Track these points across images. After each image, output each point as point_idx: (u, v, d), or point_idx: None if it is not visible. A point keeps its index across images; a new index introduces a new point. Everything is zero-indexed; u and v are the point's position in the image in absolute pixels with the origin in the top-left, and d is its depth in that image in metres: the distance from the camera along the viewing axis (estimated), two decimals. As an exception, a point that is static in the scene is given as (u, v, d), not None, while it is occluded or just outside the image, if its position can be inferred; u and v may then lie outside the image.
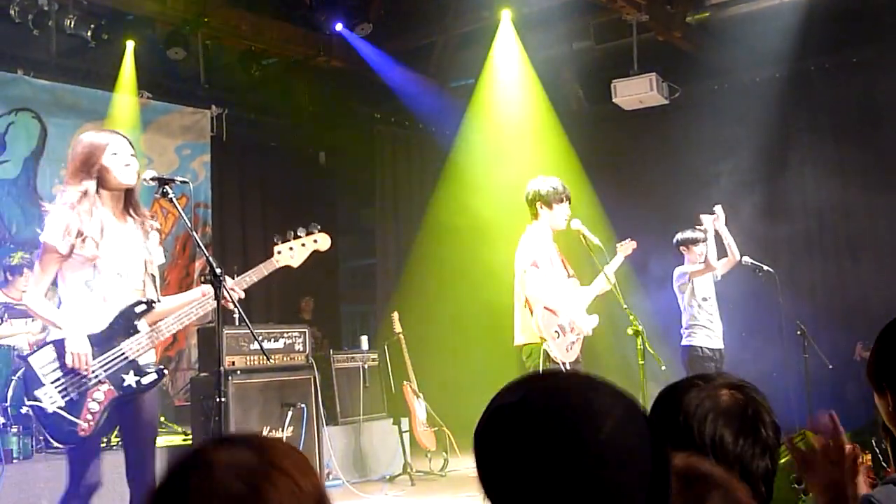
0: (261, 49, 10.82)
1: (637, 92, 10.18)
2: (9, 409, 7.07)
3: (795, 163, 10.67)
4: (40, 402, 4.05)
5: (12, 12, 8.93)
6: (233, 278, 4.35)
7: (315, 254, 4.62)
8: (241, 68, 10.88)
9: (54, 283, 4.27)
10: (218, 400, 4.13)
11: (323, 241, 4.62)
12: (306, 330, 8.55)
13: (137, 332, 4.23)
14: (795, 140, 10.67)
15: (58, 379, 4.09)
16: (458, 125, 11.75)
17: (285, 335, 8.27)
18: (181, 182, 4.41)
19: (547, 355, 6.12)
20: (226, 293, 4.16)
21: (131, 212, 4.33)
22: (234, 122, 11.74)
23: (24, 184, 9.78)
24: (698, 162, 10.58)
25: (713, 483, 1.60)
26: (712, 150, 10.52)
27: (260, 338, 7.96)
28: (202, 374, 7.95)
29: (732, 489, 1.59)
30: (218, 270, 4.04)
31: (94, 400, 4.11)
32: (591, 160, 10.90)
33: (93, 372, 4.11)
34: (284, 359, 8.18)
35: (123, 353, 4.18)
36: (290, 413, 7.77)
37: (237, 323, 7.68)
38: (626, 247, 6.83)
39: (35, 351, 4.19)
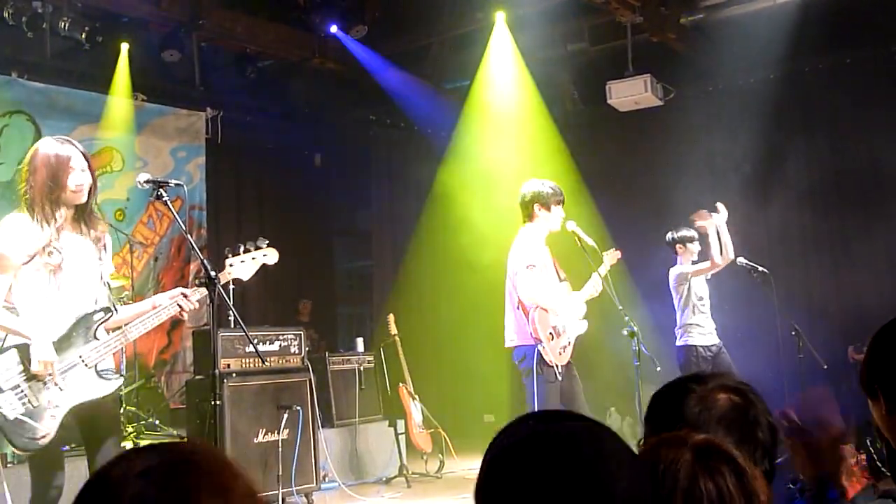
0: (256, 51, 10.82)
1: (632, 93, 10.19)
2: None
3: (790, 164, 10.68)
4: (1, 409, 4.04)
5: (6, 14, 8.91)
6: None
7: (264, 267, 4.72)
8: (236, 70, 10.88)
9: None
10: (213, 403, 4.14)
11: (271, 256, 4.72)
12: (302, 332, 8.54)
13: (96, 339, 4.25)
14: (789, 141, 10.68)
15: (17, 385, 4.08)
16: (454, 127, 11.75)
17: (281, 337, 8.26)
18: (175, 185, 4.44)
19: (541, 357, 6.12)
20: (224, 295, 4.21)
21: (84, 224, 4.35)
22: (230, 125, 11.72)
23: (17, 187, 9.74)
24: (693, 163, 10.58)
25: (728, 458, 1.62)
26: (707, 151, 10.53)
27: (255, 340, 7.95)
28: (197, 377, 7.93)
29: (747, 469, 1.60)
30: (212, 273, 4.05)
31: (54, 406, 4.11)
32: (585, 161, 10.90)
33: (52, 378, 4.11)
34: (280, 361, 8.16)
35: (83, 360, 4.20)
36: (285, 415, 7.75)
37: (233, 325, 7.68)
38: (612, 256, 6.85)
39: None
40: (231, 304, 4.35)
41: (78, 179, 4.22)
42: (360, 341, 9.67)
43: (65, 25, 9.19)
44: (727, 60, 10.29)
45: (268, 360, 7.97)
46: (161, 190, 4.24)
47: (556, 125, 11.18)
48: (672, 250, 8.38)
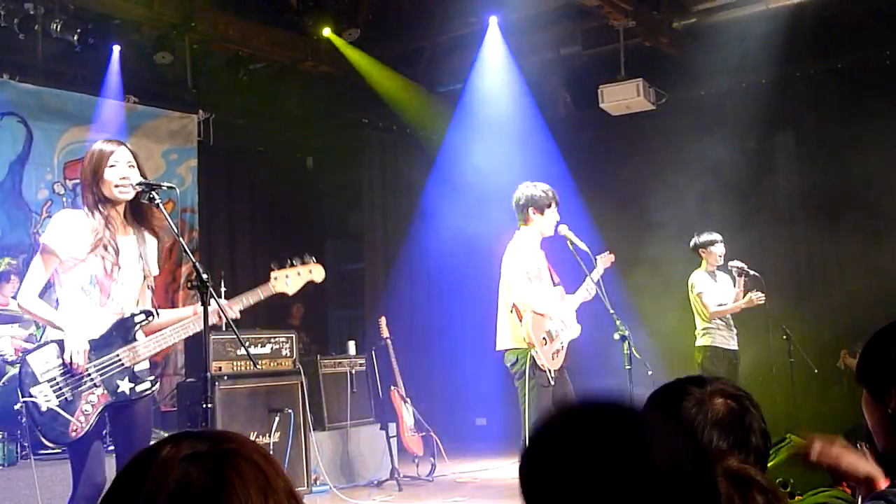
0: (248, 53, 10.81)
1: (624, 97, 10.21)
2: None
3: (781, 168, 10.73)
4: (35, 398, 4.07)
5: (-2, 16, 8.91)
6: (220, 283, 4.39)
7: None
8: (228, 73, 10.87)
9: (48, 287, 4.32)
10: (204, 405, 4.14)
11: (317, 273, 4.74)
12: (293, 335, 8.54)
13: (135, 340, 4.27)
14: (781, 145, 10.73)
15: (53, 378, 4.11)
16: (446, 130, 11.76)
17: (272, 340, 8.26)
18: (168, 188, 4.42)
19: (534, 361, 6.12)
20: (219, 308, 4.22)
21: (135, 223, 4.38)
22: (221, 127, 11.70)
23: (9, 188, 9.73)
24: (685, 167, 10.61)
25: (760, 488, 1.64)
26: (699, 155, 10.56)
27: (247, 343, 7.94)
28: (189, 380, 7.94)
29: (777, 497, 1.64)
30: (204, 276, 4.05)
31: (87, 402, 4.14)
32: (577, 165, 10.92)
33: (88, 374, 4.14)
34: (271, 364, 8.16)
35: (120, 360, 4.22)
36: (277, 418, 7.75)
37: (224, 328, 7.67)
38: (606, 259, 6.86)
39: (35, 349, 4.22)
40: (231, 320, 4.33)
41: (121, 173, 4.22)
42: (351, 344, 9.66)
43: (57, 27, 9.17)
44: (719, 65, 10.32)
45: (259, 363, 7.97)
46: (153, 192, 4.23)
47: (549, 129, 11.20)
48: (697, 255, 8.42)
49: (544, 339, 6.21)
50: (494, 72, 10.93)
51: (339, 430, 9.00)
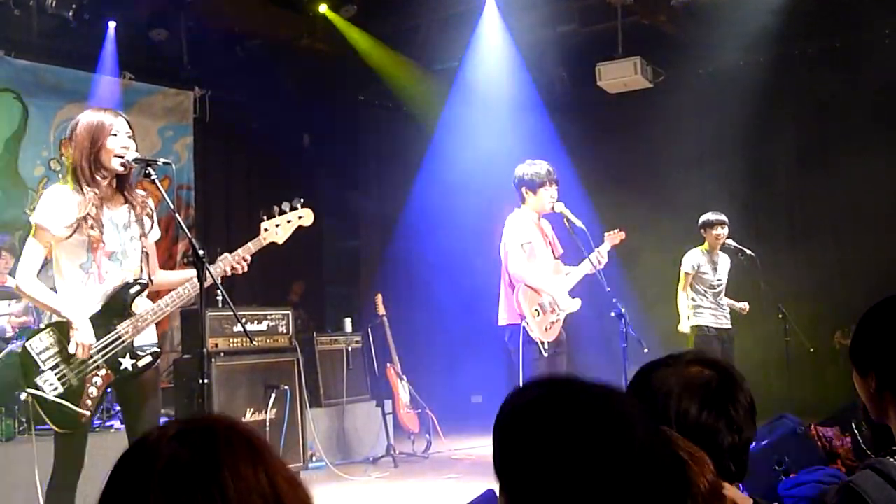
0: (244, 30, 10.76)
1: (622, 75, 10.20)
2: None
3: (779, 146, 10.72)
4: (41, 389, 4.02)
5: (-7, -8, 8.86)
6: (216, 260, 4.33)
7: (299, 230, 4.59)
8: (224, 50, 10.82)
9: (43, 265, 4.24)
10: (201, 382, 4.14)
11: (307, 217, 4.58)
12: (290, 312, 8.54)
13: (132, 314, 4.21)
14: (779, 124, 10.71)
15: (56, 365, 4.06)
16: (443, 108, 11.74)
17: (269, 317, 8.27)
18: (164, 164, 4.39)
19: (527, 334, 6.15)
20: (212, 273, 4.15)
21: (125, 193, 4.30)
22: (218, 104, 11.67)
23: (5, 165, 9.70)
24: (682, 146, 10.61)
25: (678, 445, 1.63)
26: (696, 133, 10.56)
27: (243, 320, 7.95)
28: (185, 357, 7.94)
29: (696, 466, 1.61)
30: (201, 252, 4.03)
31: (92, 385, 4.10)
32: (574, 144, 10.90)
33: (90, 356, 4.10)
34: (268, 341, 8.17)
35: (120, 337, 4.16)
36: (273, 395, 7.77)
37: (220, 305, 7.67)
38: (615, 236, 6.85)
39: (34, 335, 4.15)
40: (219, 283, 4.28)
41: (122, 142, 4.18)
42: (347, 322, 9.67)
43: (52, 3, 9.13)
44: (718, 43, 10.30)
45: (255, 339, 7.98)
46: (149, 169, 4.19)
47: (545, 106, 11.18)
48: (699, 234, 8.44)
49: (536, 311, 6.24)
50: (491, 49, 10.90)
51: (335, 406, 9.02)
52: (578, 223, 6.37)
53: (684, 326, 8.23)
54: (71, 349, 4.03)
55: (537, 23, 10.75)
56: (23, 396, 4.25)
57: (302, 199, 4.58)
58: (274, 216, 4.50)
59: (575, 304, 6.52)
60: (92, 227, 4.09)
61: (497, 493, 1.37)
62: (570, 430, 1.30)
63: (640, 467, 1.28)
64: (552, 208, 6.41)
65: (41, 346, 4.08)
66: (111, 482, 1.18)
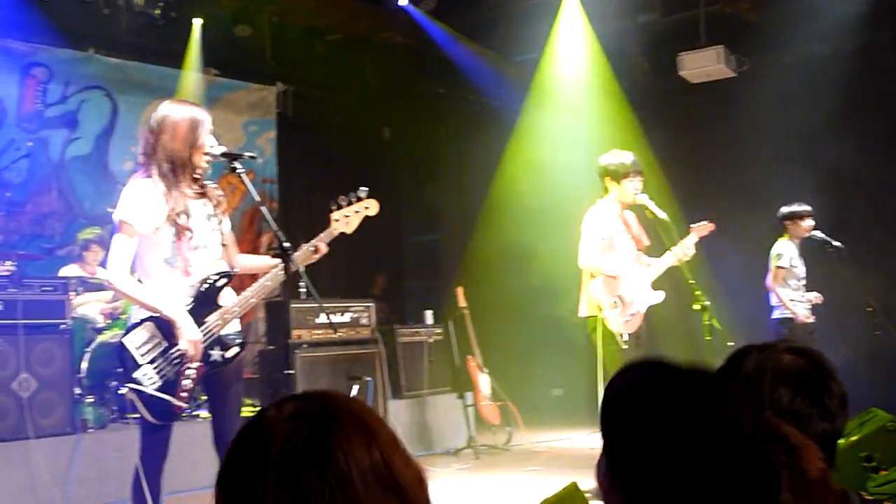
0: (326, 25, 10.87)
1: (704, 65, 10.03)
2: (83, 379, 7.25)
3: (867, 137, 10.44)
4: (140, 384, 4.10)
5: (83, -8, 9.09)
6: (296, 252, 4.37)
7: (374, 221, 4.66)
8: (306, 44, 10.94)
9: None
10: (285, 373, 4.19)
11: (373, 207, 4.65)
12: (372, 304, 8.62)
13: (220, 306, 4.26)
14: (867, 113, 10.43)
15: (154, 359, 4.13)
16: (523, 100, 11.70)
17: (351, 309, 8.35)
18: (249, 157, 4.44)
19: (605, 326, 6.12)
20: (298, 265, 4.20)
21: (199, 185, 4.33)
22: (300, 99, 11.82)
23: (96, 160, 9.97)
24: (766, 136, 10.39)
25: (786, 446, 1.62)
26: (782, 123, 10.33)
27: (327, 311, 8.04)
28: (270, 348, 8.06)
29: (802, 456, 1.60)
30: (286, 244, 4.08)
31: (186, 377, 4.16)
32: (656, 135, 10.76)
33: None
34: (350, 332, 8.25)
35: (209, 329, 4.22)
36: (356, 386, 7.84)
37: (303, 297, 7.76)
38: (703, 228, 6.74)
39: (130, 330, 4.20)
40: (303, 273, 4.33)
41: (211, 140, 4.24)
42: (428, 314, 9.72)
43: (140, 1, 9.33)
44: (803, 31, 10.07)
45: (338, 331, 8.06)
46: (235, 162, 4.24)
47: (626, 97, 11.06)
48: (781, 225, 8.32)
49: (615, 302, 6.20)
50: (571, 40, 10.83)
51: (416, 398, 9.08)
52: (661, 214, 6.29)
53: (774, 318, 8.17)
54: (181, 346, 4.09)
55: (617, 12, 10.64)
56: (122, 391, 4.34)
57: (367, 189, 4.66)
58: (342, 207, 4.57)
59: (657, 297, 6.46)
60: (182, 220, 4.14)
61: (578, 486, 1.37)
62: (677, 411, 1.31)
63: (747, 449, 1.28)
64: (635, 200, 6.35)
65: (138, 340, 4.14)
66: (229, 460, 1.23)
